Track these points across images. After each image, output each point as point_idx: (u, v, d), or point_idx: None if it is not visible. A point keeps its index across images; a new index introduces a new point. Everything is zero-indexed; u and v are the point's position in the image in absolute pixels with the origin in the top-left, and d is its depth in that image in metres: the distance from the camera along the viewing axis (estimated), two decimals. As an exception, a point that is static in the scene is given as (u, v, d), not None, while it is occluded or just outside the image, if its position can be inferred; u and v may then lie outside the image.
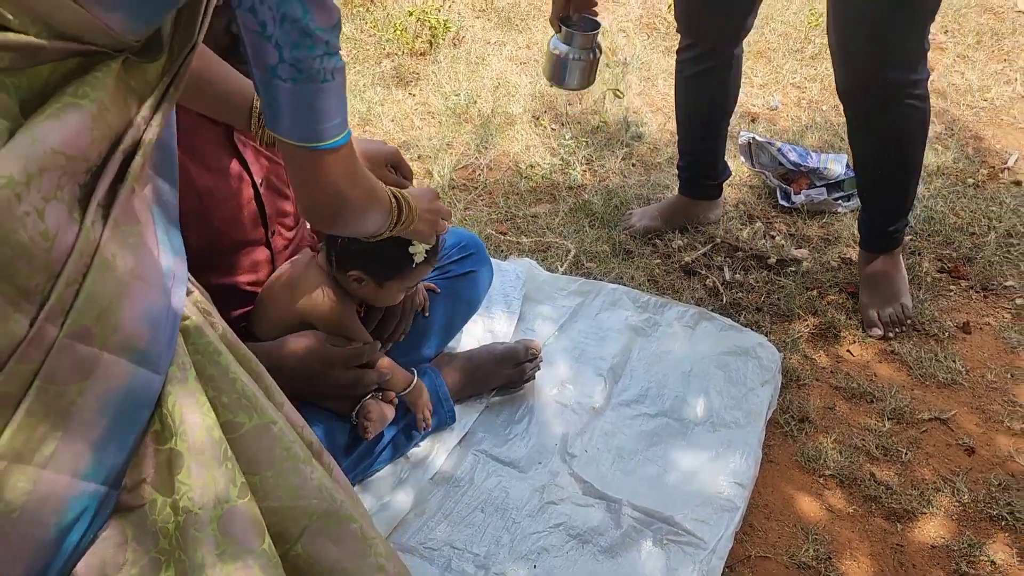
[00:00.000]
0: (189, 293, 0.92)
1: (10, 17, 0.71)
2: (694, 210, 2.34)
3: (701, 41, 2.11)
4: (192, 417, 0.87)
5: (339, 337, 1.54)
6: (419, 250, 1.47)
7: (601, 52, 1.87)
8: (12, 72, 0.74)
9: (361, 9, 3.44)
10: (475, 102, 2.90)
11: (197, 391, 0.88)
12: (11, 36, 0.71)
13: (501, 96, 2.94)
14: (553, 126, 2.81)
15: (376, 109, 2.85)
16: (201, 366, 0.90)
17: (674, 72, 2.24)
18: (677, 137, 2.33)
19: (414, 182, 2.42)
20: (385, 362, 1.58)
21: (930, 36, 1.81)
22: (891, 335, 2.01)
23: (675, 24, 2.19)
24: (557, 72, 1.86)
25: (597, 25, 1.84)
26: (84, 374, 0.79)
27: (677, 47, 2.19)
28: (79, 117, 0.76)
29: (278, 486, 0.94)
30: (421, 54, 3.19)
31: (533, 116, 2.86)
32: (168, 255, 0.88)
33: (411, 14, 3.21)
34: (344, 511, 0.99)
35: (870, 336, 2.02)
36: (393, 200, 1.22)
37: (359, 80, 3.00)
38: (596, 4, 1.83)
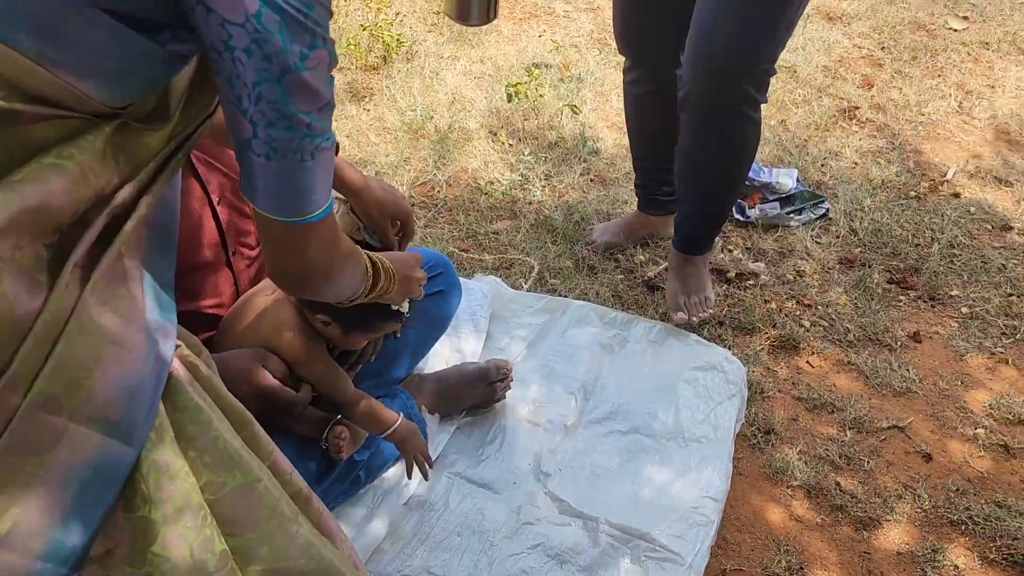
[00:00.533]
0: (176, 347, 0.89)
1: None
2: (654, 225, 2.37)
3: (642, 62, 2.12)
4: (169, 484, 0.83)
5: (276, 360, 1.50)
6: (401, 306, 1.45)
7: None
8: None
9: (311, 23, 3.40)
10: (431, 117, 2.89)
11: (175, 455, 0.85)
12: None
13: (457, 111, 2.95)
14: (511, 141, 2.83)
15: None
16: (181, 425, 0.86)
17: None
18: (632, 153, 2.35)
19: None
20: (363, 405, 1.52)
21: (777, 65, 1.83)
22: (695, 320, 2.07)
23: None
24: (458, 5, 1.86)
25: None
26: (47, 446, 0.76)
27: (623, 66, 2.21)
28: (58, 179, 0.73)
29: (262, 547, 0.91)
30: (374, 69, 3.17)
31: (490, 131, 2.87)
32: (157, 315, 0.84)
33: (364, 28, 3.19)
34: (332, 568, 0.97)
35: (676, 323, 2.07)
36: (370, 269, 1.17)
37: (312, 95, 2.97)
38: None
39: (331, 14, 0.81)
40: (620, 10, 2.06)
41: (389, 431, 1.53)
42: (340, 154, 2.66)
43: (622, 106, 2.98)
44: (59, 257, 0.76)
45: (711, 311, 2.09)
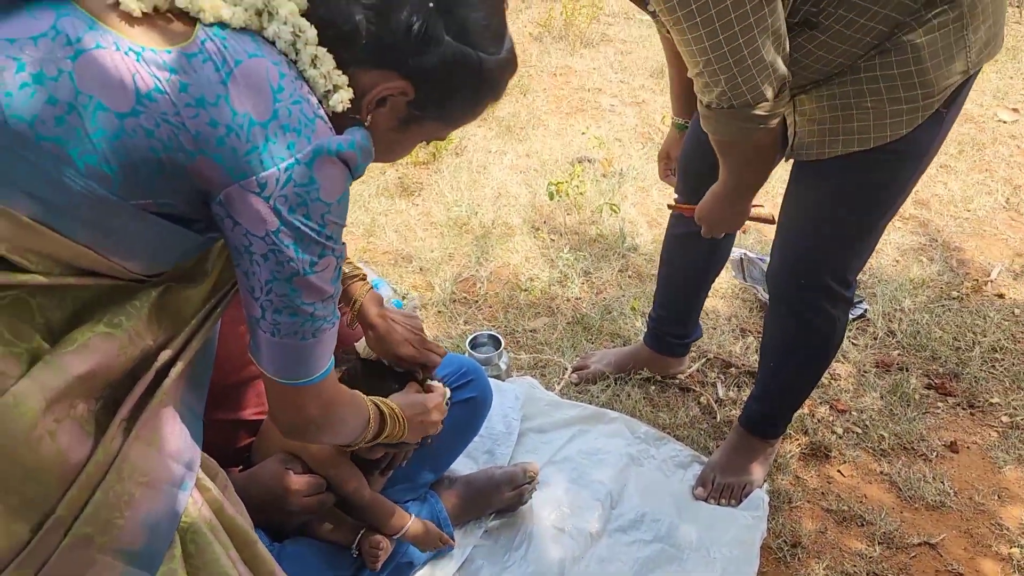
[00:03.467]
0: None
1: (28, 263, 0.81)
2: (656, 363, 2.30)
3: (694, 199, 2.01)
4: None
5: (297, 460, 1.57)
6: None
7: None
8: (41, 291, 0.82)
9: (367, 119, 3.58)
10: (476, 212, 3.01)
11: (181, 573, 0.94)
12: (27, 277, 0.81)
13: (501, 206, 3.06)
14: (552, 237, 2.91)
15: (380, 220, 2.95)
16: (191, 554, 0.96)
17: (668, 218, 2.20)
18: (656, 292, 2.27)
19: (414, 295, 2.50)
20: (379, 508, 1.59)
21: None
22: (711, 501, 1.95)
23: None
24: None
25: None
26: (76, 575, 0.86)
27: (673, 199, 2.09)
28: (108, 346, 0.85)
29: None
30: (424, 164, 3.32)
31: (532, 227, 2.97)
32: (185, 450, 0.95)
33: (415, 126, 3.35)
34: None
35: (695, 495, 1.97)
36: (375, 417, 1.25)
37: (364, 190, 3.12)
38: None
39: (344, 225, 0.93)
40: (687, 153, 2.01)
41: (402, 532, 1.61)
42: (387, 249, 2.78)
43: (662, 202, 3.06)
44: (107, 408, 0.87)
45: (742, 500, 1.94)
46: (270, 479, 1.53)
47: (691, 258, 2.13)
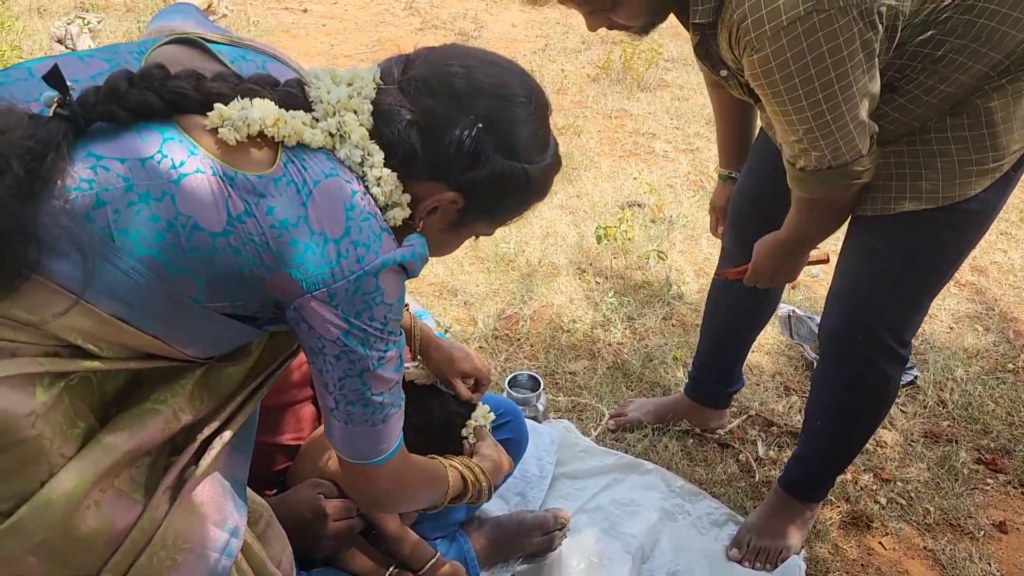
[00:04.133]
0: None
1: (98, 351, 0.87)
2: (696, 415, 2.25)
3: (740, 254, 1.95)
4: None
5: (329, 485, 1.56)
6: (469, 432, 1.52)
7: None
8: (103, 371, 0.88)
9: (422, 150, 3.62)
10: (523, 250, 3.01)
11: None
12: (99, 364, 0.87)
13: (549, 246, 3.06)
14: (597, 280, 2.90)
15: (428, 252, 2.97)
16: None
17: (717, 261, 2.15)
18: (699, 339, 2.22)
19: (456, 328, 2.51)
20: (405, 539, 1.59)
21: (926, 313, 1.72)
22: (746, 564, 1.89)
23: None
24: None
25: None
26: None
27: (722, 246, 2.08)
28: (154, 423, 0.90)
29: None
30: (475, 198, 3.34)
31: (578, 268, 2.95)
32: (230, 517, 0.99)
33: (469, 161, 3.38)
34: None
35: (729, 556, 1.91)
36: (458, 483, 1.32)
37: (414, 221, 3.14)
38: None
39: (401, 319, 1.01)
40: (737, 208, 1.98)
41: (426, 566, 1.60)
42: (433, 281, 2.79)
43: (711, 251, 3.03)
44: (152, 475, 0.93)
45: (770, 570, 1.88)
46: (302, 503, 1.53)
47: (737, 306, 2.09)
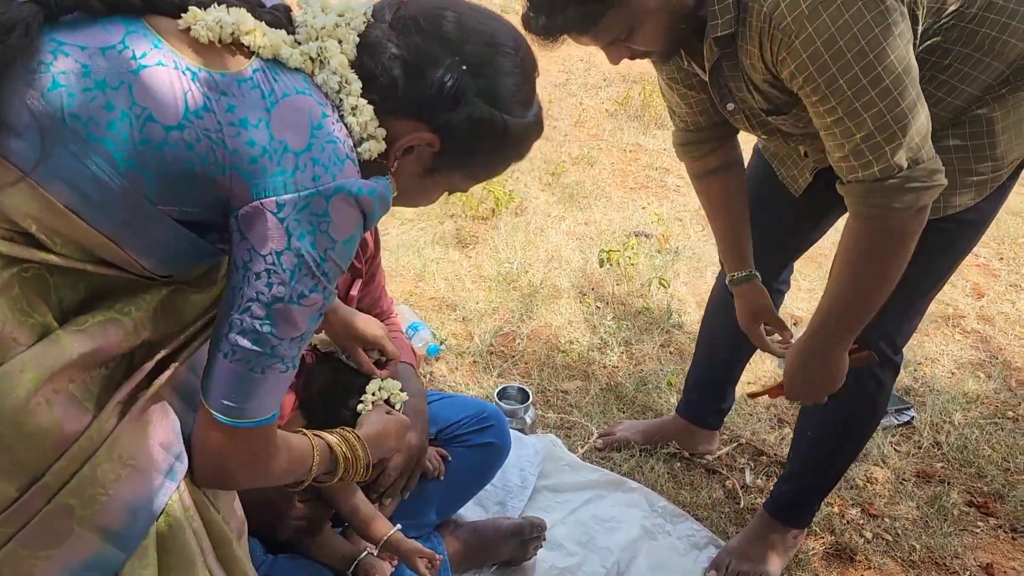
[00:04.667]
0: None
1: (53, 244, 0.87)
2: (686, 437, 2.23)
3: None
4: None
5: None
6: (366, 407, 1.44)
7: None
8: (59, 271, 0.88)
9: (435, 171, 3.67)
10: (526, 271, 3.03)
11: (151, 548, 0.96)
12: (48, 255, 0.87)
13: (552, 269, 3.07)
14: (597, 304, 2.91)
15: (431, 267, 3.00)
16: (168, 550, 0.98)
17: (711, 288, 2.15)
18: (694, 356, 2.21)
19: (452, 342, 2.51)
20: (361, 512, 1.52)
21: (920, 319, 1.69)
22: None
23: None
24: None
25: None
26: (55, 544, 0.89)
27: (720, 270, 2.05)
28: (114, 331, 0.90)
29: None
30: (483, 219, 3.37)
31: (580, 292, 2.96)
32: (176, 442, 0.98)
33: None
34: None
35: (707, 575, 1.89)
36: (324, 456, 1.20)
37: (420, 237, 3.18)
38: None
39: (343, 272, 0.97)
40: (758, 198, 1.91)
41: (383, 540, 1.53)
42: (434, 295, 2.80)
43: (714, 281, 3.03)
44: (106, 387, 0.92)
45: None
46: None
47: (734, 327, 2.03)
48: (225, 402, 0.96)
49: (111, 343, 0.90)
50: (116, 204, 0.88)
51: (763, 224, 1.83)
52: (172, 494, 0.97)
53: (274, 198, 0.89)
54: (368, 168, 0.98)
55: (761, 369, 2.60)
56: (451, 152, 1.02)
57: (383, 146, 0.99)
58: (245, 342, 0.94)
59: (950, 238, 1.55)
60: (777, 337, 1.82)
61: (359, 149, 0.97)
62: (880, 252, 1.40)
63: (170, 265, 0.95)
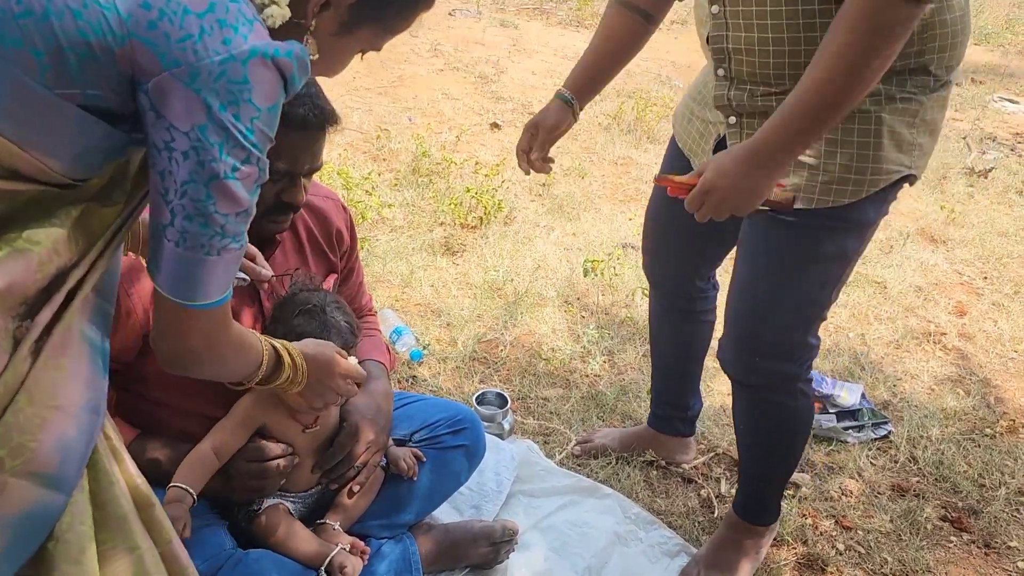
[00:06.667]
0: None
1: None
2: (661, 446, 2.25)
3: (661, 283, 2.06)
4: (79, 527, 0.94)
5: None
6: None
7: None
8: None
9: (425, 179, 3.70)
10: (512, 280, 3.05)
11: (87, 505, 0.95)
12: None
13: (538, 278, 3.09)
14: (582, 314, 2.93)
15: (418, 273, 3.02)
16: (93, 491, 0.97)
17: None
18: (651, 369, 2.25)
19: (435, 347, 2.52)
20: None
21: (815, 335, 1.69)
22: None
23: None
24: None
25: None
26: None
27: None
28: (25, 262, 0.85)
29: None
30: (472, 227, 3.40)
31: (565, 301, 2.98)
32: (94, 379, 0.95)
33: (468, 191, 3.45)
34: None
35: None
36: (271, 359, 1.24)
37: (408, 244, 3.20)
38: None
39: (272, 141, 0.93)
40: (651, 226, 2.00)
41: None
42: (419, 301, 2.81)
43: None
44: (20, 328, 0.87)
45: None
46: None
47: (674, 331, 2.12)
48: (182, 286, 0.95)
49: (25, 276, 0.85)
50: (7, 96, 0.81)
51: (672, 247, 1.92)
52: (99, 432, 0.95)
53: (185, 67, 0.84)
54: (283, 35, 0.93)
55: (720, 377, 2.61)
56: (367, 4, 0.99)
57: (286, 13, 0.93)
58: (193, 227, 0.91)
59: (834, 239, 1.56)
60: (536, 155, 1.81)
61: (262, 15, 0.92)
62: (869, 27, 1.24)
63: (81, 164, 0.89)
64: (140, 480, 1.04)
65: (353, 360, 1.51)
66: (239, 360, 1.17)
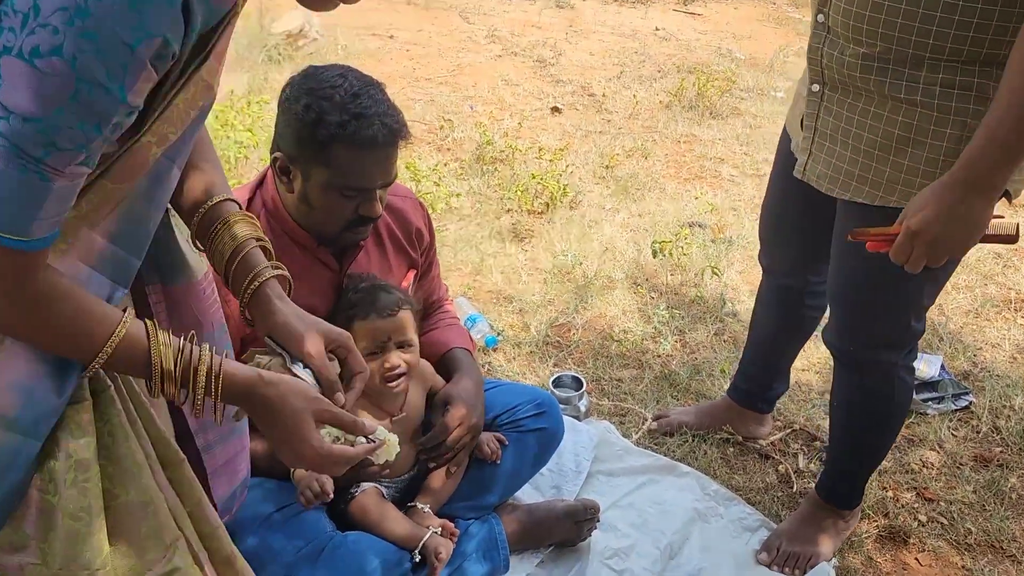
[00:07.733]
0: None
1: None
2: (739, 419, 2.28)
3: (774, 266, 2.06)
4: (81, 478, 0.93)
5: None
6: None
7: None
8: None
9: (490, 167, 3.76)
10: (581, 263, 3.09)
11: (93, 456, 0.94)
12: None
13: (607, 260, 3.13)
14: (652, 294, 2.95)
15: (488, 261, 3.08)
16: (101, 433, 0.96)
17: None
18: (747, 341, 2.25)
19: (509, 333, 2.58)
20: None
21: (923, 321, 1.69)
22: (774, 568, 1.89)
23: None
24: None
25: None
26: None
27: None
28: None
29: (130, 558, 0.97)
30: (539, 213, 3.45)
31: (634, 282, 3.02)
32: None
33: (533, 177, 3.49)
34: None
35: (758, 560, 1.91)
36: (142, 341, 0.94)
37: (477, 232, 3.27)
38: None
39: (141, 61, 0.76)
40: (765, 216, 2.01)
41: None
42: (491, 288, 2.89)
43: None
44: None
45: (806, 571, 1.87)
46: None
47: (778, 318, 2.12)
48: None
49: None
50: None
51: (787, 241, 1.92)
52: (77, 374, 0.92)
53: None
54: None
55: (816, 356, 2.62)
56: None
57: None
58: None
59: None
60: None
61: None
62: None
63: None
64: (166, 437, 1.03)
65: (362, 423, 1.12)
66: (68, 330, 0.89)
